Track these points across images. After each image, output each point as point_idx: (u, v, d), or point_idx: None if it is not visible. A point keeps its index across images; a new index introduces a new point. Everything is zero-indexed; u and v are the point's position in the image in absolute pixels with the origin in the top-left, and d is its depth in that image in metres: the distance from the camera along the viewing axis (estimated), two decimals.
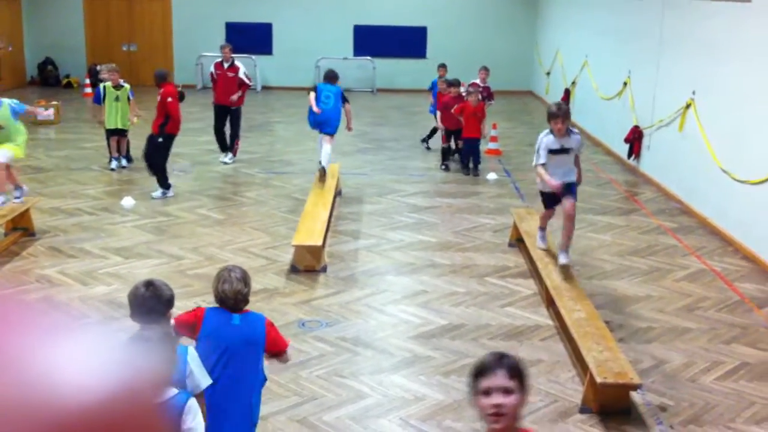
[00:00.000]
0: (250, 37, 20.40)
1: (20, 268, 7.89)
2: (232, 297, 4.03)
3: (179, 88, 10.82)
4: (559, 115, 6.93)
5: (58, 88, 19.83)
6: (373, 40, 20.53)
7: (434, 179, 11.92)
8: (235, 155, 12.59)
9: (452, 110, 12.02)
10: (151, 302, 3.70)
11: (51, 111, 14.34)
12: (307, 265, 7.92)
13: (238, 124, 12.59)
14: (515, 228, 8.76)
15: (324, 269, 7.94)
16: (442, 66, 13.92)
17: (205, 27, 20.23)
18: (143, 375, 0.60)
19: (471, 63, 14.99)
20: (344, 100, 10.41)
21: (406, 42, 20.62)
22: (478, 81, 13.27)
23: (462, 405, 5.49)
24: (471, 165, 12.12)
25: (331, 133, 10.36)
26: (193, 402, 3.21)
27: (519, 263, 8.28)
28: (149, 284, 3.80)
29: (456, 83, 12.40)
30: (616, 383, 5.21)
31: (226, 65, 12.40)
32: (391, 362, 6.11)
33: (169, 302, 3.81)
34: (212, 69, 12.65)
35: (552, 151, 7.05)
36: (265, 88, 20.46)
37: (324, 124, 10.31)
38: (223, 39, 20.45)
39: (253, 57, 20.20)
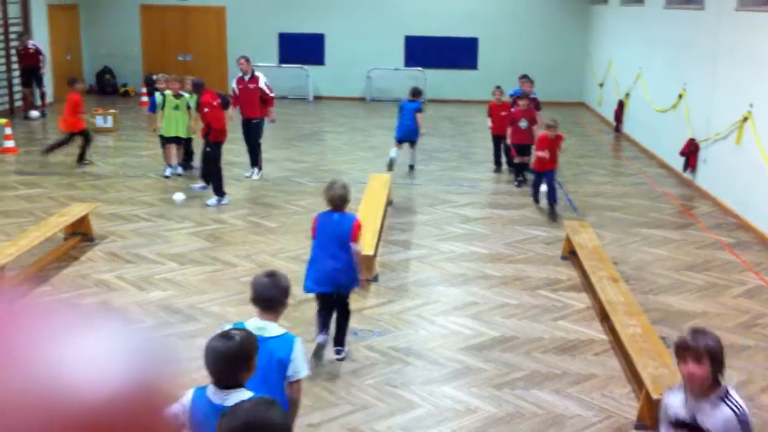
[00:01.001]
0: (303, 48, 20.61)
1: (79, 272, 8.07)
2: (337, 199, 5.96)
3: (220, 95, 11.03)
4: (690, 350, 3.63)
5: (116, 96, 20.26)
6: (424, 51, 20.57)
7: (485, 190, 11.89)
8: (260, 169, 12.23)
9: (519, 124, 11.83)
10: (272, 291, 4.01)
11: None
12: None
13: (257, 138, 12.09)
14: (568, 241, 8.68)
15: (375, 279, 7.97)
16: (525, 77, 13.51)
17: (258, 38, 20.49)
18: (154, 375, 0.60)
19: (522, 73, 14.86)
20: (418, 110, 12.58)
21: (457, 53, 20.62)
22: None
23: (515, 418, 5.46)
24: (547, 202, 10.46)
25: (414, 141, 12.73)
26: (298, 341, 3.91)
27: (572, 276, 8.21)
28: (271, 275, 4.09)
29: (525, 96, 12.21)
30: None
31: (246, 78, 11.95)
32: (442, 373, 6.10)
33: (287, 292, 4.07)
34: (234, 85, 12.14)
35: (677, 425, 3.80)
36: (316, 98, 20.63)
37: (407, 135, 12.61)
38: (276, 49, 20.73)
39: (306, 67, 20.41)
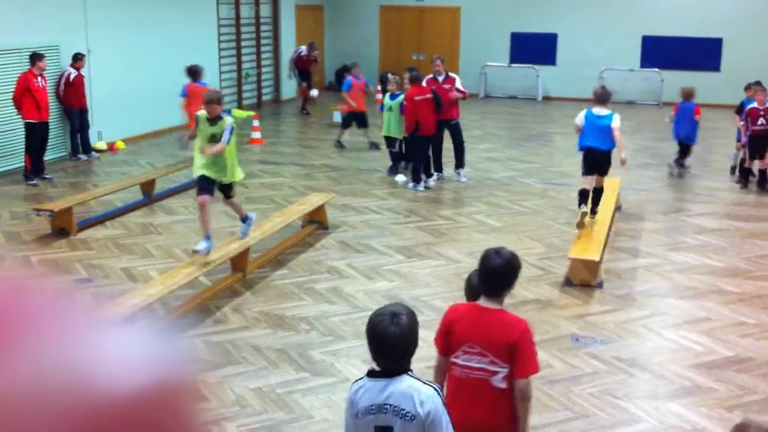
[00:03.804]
0: (534, 48, 20.45)
1: (313, 258, 8.58)
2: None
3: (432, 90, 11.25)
4: None
5: None
6: (662, 52, 19.67)
7: (723, 200, 11.20)
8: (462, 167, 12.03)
9: None
10: (606, 96, 8.46)
11: None
12: (582, 279, 7.80)
13: (461, 138, 11.87)
14: None
15: (600, 285, 7.78)
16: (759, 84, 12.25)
17: (490, 37, 20.60)
18: (179, 373, 0.59)
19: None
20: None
21: (698, 54, 19.52)
22: (756, 104, 11.73)
23: None
24: None
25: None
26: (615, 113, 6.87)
27: None
28: (602, 84, 7.51)
29: None
30: None
31: (440, 78, 11.65)
32: (669, 389, 5.86)
33: (611, 94, 8.69)
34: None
35: None
36: (545, 98, 20.40)
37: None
38: (508, 49, 20.72)
39: (536, 67, 20.24)
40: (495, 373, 3.75)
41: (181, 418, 0.58)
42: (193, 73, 11.97)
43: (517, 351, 3.72)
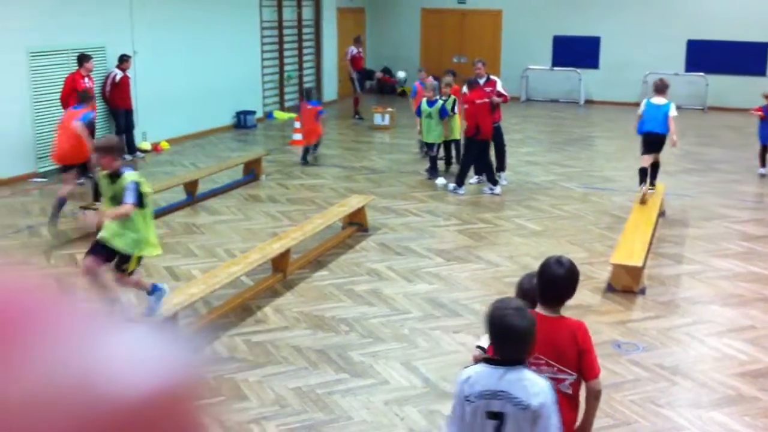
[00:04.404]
0: (577, 51, 20.28)
1: (353, 260, 8.61)
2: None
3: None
4: None
5: (394, 95, 21.21)
6: (708, 56, 19.38)
7: None
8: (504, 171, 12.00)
9: None
10: (665, 85, 9.72)
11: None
12: (625, 285, 7.72)
13: (503, 140, 11.88)
14: None
15: (642, 291, 7.70)
16: None
17: (532, 40, 20.48)
18: (186, 376, 0.59)
19: None
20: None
21: (744, 58, 19.19)
22: None
23: None
24: None
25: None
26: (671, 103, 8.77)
27: None
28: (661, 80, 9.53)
29: None
30: None
31: (481, 81, 11.53)
32: (712, 398, 5.77)
33: (668, 83, 9.79)
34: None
35: None
36: (587, 102, 20.23)
37: None
38: (550, 52, 20.58)
39: (579, 70, 20.08)
40: (562, 380, 3.80)
41: (188, 423, 0.57)
42: (306, 93, 13.68)
43: (584, 354, 3.80)
